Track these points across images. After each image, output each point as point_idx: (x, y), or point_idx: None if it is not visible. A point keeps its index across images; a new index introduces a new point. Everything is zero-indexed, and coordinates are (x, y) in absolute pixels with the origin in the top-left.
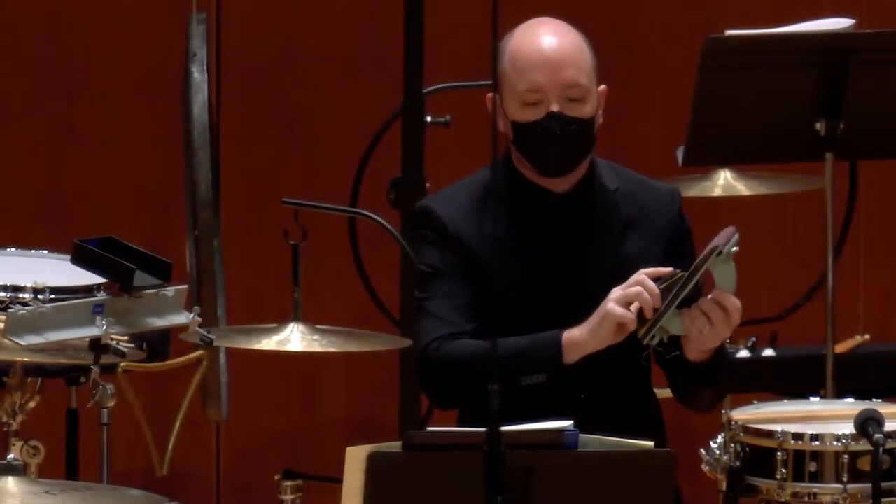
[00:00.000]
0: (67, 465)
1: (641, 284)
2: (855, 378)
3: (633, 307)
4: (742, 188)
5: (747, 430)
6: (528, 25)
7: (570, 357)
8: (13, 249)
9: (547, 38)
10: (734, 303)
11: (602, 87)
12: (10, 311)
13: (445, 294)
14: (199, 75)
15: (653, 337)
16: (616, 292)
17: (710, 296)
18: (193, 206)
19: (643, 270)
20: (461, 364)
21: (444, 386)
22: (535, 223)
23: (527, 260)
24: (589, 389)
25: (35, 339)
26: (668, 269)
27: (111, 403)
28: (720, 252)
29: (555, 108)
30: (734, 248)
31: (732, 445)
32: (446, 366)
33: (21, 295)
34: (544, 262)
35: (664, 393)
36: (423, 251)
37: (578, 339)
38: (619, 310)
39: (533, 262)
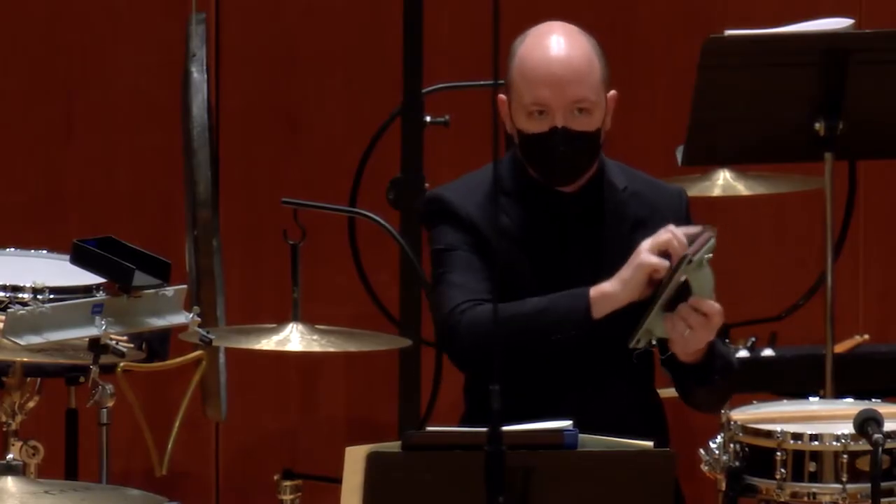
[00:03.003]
0: (67, 465)
1: (671, 233)
2: (854, 378)
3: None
4: (742, 188)
5: (746, 430)
6: (538, 32)
7: (599, 310)
8: (13, 249)
9: (556, 51)
10: (712, 307)
11: (612, 92)
12: (9, 311)
13: (465, 266)
14: (198, 75)
15: (638, 340)
16: (647, 242)
17: (688, 301)
18: (193, 206)
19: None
20: (489, 325)
21: (471, 347)
22: (544, 221)
23: (537, 257)
24: (592, 388)
25: (34, 339)
26: (697, 228)
27: (110, 403)
28: (690, 261)
29: (559, 122)
30: (708, 255)
31: (732, 445)
32: (473, 327)
33: (20, 295)
34: (554, 260)
35: (666, 393)
36: (438, 232)
37: (609, 290)
38: (654, 258)
39: (543, 260)
